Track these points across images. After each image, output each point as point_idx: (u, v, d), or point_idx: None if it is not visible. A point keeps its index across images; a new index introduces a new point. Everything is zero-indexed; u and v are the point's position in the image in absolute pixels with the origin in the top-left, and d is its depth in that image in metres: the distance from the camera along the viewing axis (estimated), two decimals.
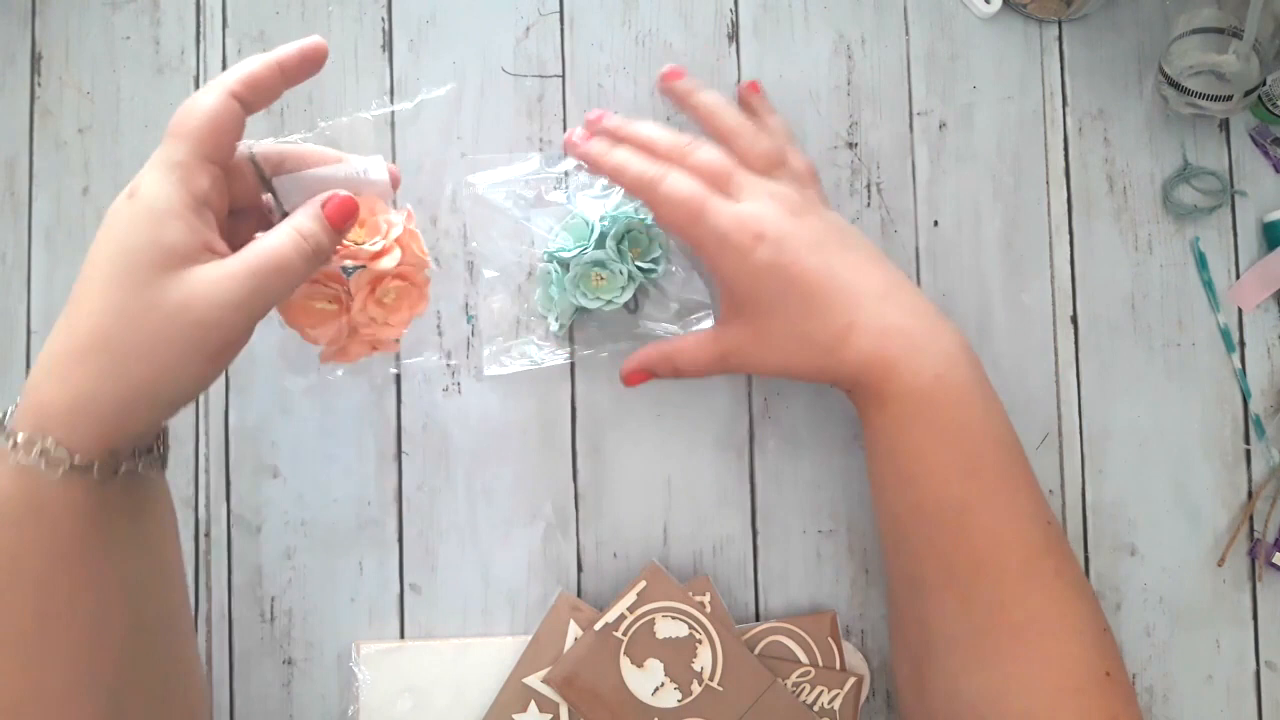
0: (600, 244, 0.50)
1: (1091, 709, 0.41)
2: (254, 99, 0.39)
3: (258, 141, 0.41)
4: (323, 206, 0.39)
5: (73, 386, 0.35)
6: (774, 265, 0.44)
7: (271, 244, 0.38)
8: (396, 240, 0.42)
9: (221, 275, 0.36)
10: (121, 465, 0.37)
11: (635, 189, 0.46)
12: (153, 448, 0.40)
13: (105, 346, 0.35)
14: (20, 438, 0.34)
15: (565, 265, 0.50)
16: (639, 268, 0.50)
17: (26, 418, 0.35)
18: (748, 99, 0.52)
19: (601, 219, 0.50)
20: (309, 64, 0.41)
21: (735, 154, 0.47)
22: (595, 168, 0.48)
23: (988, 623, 0.43)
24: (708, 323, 0.52)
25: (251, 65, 0.39)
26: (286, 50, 0.40)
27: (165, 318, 0.35)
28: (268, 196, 0.42)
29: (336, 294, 0.43)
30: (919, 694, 0.45)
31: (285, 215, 0.40)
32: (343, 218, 0.39)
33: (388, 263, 0.42)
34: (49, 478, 0.35)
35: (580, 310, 0.51)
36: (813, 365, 0.45)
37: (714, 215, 0.44)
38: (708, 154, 0.46)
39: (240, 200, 0.41)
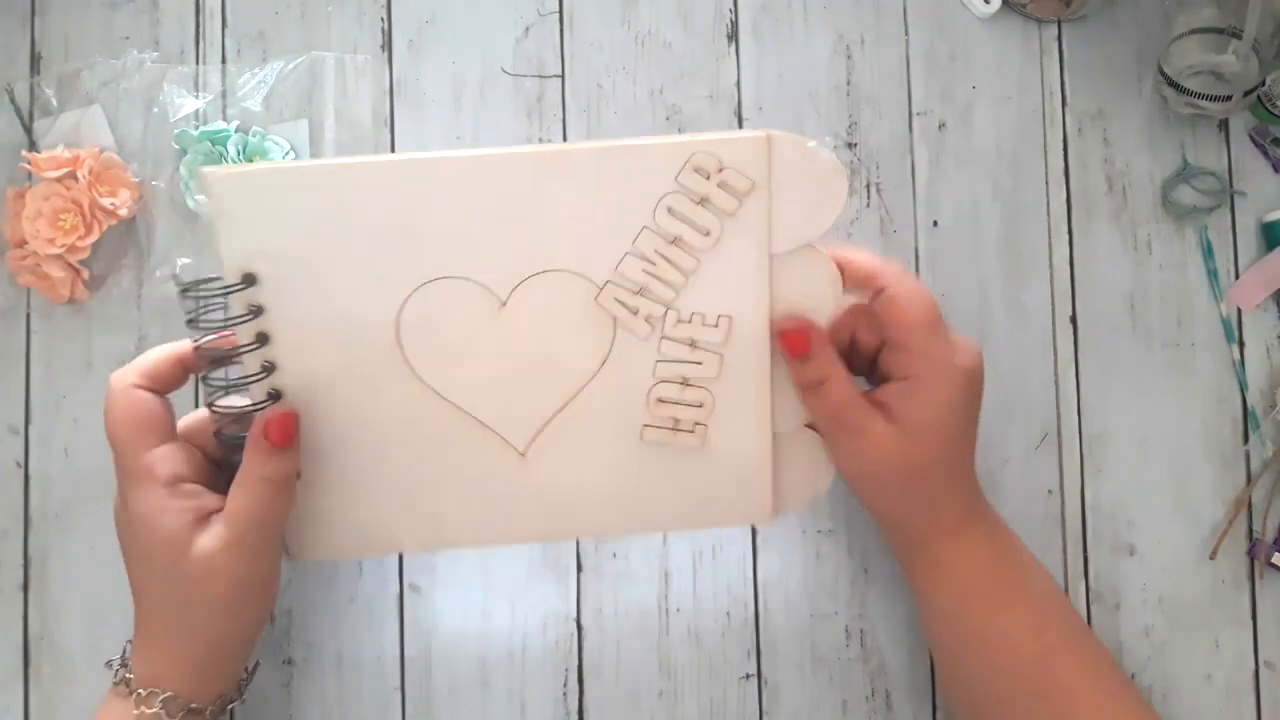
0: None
1: None
2: (160, 386, 0.43)
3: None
4: (265, 437, 0.41)
5: (168, 659, 0.43)
6: (977, 373, 0.44)
7: (241, 501, 0.41)
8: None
9: (220, 545, 0.41)
10: (232, 700, 0.45)
11: (877, 263, 0.44)
12: (245, 676, 0.47)
13: (178, 630, 0.43)
14: (143, 693, 0.42)
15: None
16: None
17: (144, 680, 0.43)
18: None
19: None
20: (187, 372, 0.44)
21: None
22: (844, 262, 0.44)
23: None
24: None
25: (153, 355, 0.43)
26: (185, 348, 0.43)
27: (209, 594, 0.41)
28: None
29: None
30: None
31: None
32: (285, 437, 0.41)
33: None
34: None
35: None
36: (937, 475, 0.44)
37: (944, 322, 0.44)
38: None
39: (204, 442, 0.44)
